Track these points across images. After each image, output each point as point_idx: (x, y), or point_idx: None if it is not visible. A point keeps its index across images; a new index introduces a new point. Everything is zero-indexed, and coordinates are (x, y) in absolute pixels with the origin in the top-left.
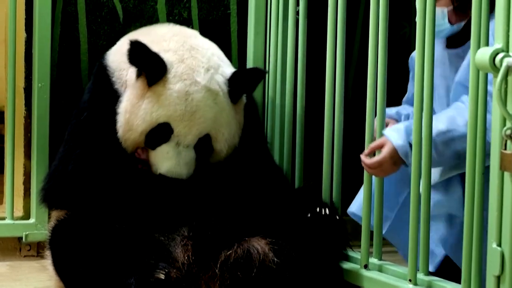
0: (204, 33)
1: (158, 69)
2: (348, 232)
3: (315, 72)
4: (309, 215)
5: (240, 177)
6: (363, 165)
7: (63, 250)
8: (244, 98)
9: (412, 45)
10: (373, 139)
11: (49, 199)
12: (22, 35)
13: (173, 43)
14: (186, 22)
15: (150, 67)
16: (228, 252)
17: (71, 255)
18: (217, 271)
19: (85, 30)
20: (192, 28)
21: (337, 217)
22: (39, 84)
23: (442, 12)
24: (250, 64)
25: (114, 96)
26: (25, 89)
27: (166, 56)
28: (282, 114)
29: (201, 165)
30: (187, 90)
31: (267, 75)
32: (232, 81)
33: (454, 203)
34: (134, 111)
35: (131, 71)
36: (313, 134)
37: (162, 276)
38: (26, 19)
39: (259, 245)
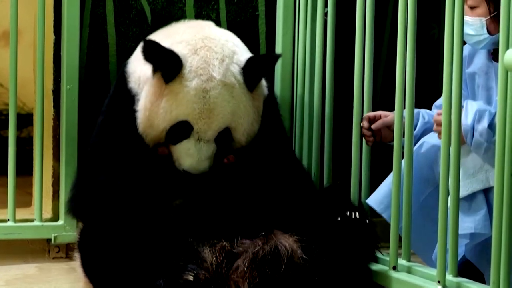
0: None
1: (173, 65)
2: (378, 234)
3: (344, 74)
4: (339, 218)
5: (263, 177)
6: (434, 120)
7: (92, 251)
8: (262, 85)
9: (441, 47)
10: (401, 140)
11: (79, 212)
12: (50, 37)
13: (186, 34)
14: (214, 23)
15: (165, 64)
16: (255, 249)
17: (100, 257)
18: (245, 269)
19: (113, 32)
20: None
21: (367, 221)
22: (68, 86)
23: (481, 21)
24: (278, 65)
25: (129, 96)
26: (53, 91)
27: (179, 48)
28: (310, 115)
29: (221, 158)
30: (204, 87)
31: (295, 77)
32: (246, 69)
33: (480, 221)
34: (153, 109)
35: (145, 68)
36: (341, 135)
37: (191, 278)
38: (54, 21)
39: (286, 242)
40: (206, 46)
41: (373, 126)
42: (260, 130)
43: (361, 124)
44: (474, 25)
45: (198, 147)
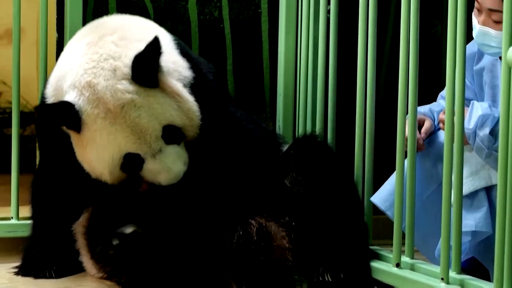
0: (235, 32)
1: (71, 117)
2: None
3: (347, 71)
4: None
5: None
6: (439, 119)
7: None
8: (165, 73)
9: (444, 44)
10: (405, 138)
11: None
12: (53, 35)
13: (70, 71)
14: (217, 21)
15: (65, 121)
16: (228, 241)
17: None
18: (232, 268)
19: None
20: (223, 27)
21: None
22: None
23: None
24: (281, 63)
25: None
26: None
27: (69, 96)
28: (313, 113)
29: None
30: (109, 122)
31: (298, 74)
32: (136, 75)
33: (481, 219)
34: (87, 160)
35: None
36: (344, 133)
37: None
38: (57, 19)
39: (253, 220)
40: (87, 82)
41: (424, 136)
42: (201, 106)
43: (419, 136)
44: (498, 38)
45: (159, 162)
